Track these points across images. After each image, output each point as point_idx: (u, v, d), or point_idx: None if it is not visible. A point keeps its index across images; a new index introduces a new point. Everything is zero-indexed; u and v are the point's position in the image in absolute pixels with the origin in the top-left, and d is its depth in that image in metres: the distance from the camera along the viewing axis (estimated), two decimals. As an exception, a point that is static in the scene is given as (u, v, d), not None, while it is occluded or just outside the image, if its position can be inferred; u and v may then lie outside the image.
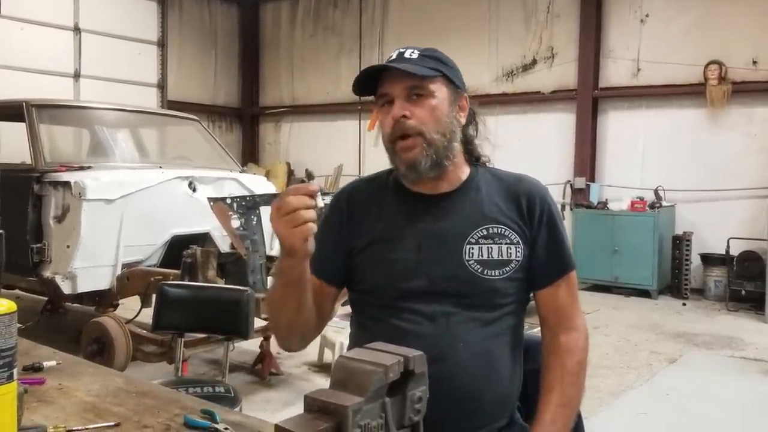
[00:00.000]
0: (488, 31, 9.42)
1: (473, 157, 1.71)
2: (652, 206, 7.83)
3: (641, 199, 7.91)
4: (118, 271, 4.49)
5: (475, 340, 1.56)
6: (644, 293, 7.77)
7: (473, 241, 1.58)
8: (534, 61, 9.15)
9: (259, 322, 4.57)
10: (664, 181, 8.02)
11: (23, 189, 4.42)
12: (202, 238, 4.80)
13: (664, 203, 7.93)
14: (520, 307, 1.66)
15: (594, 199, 8.43)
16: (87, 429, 1.45)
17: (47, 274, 4.38)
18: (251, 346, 4.87)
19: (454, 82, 1.60)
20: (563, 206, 8.71)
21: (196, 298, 2.48)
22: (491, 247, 1.58)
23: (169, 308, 2.49)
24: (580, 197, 8.58)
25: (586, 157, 8.65)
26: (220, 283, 3.90)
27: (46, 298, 6.12)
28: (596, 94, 8.62)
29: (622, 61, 8.47)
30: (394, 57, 1.58)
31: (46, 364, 1.85)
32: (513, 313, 1.63)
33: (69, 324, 6.08)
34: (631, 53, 8.39)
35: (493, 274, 1.57)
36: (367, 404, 1.14)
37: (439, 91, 1.57)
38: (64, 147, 5.50)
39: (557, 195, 8.83)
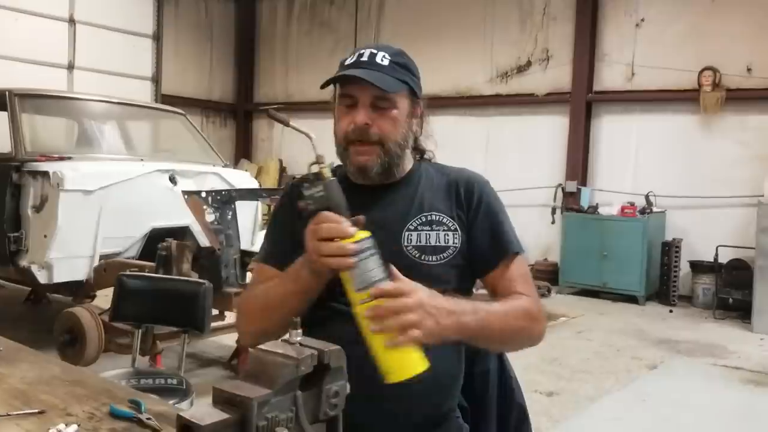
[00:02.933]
0: (483, 32, 9.39)
1: (417, 152, 1.78)
2: (642, 212, 7.80)
3: (632, 204, 7.88)
4: (96, 263, 4.47)
5: None
6: (632, 299, 7.74)
7: (412, 228, 1.61)
8: (529, 63, 9.12)
9: (233, 317, 4.57)
10: (655, 187, 7.99)
11: (2, 178, 4.41)
12: (182, 232, 4.78)
13: (654, 209, 7.90)
14: (462, 296, 1.63)
15: (585, 203, 8.40)
16: (9, 416, 1.43)
17: (24, 263, 4.37)
18: (229, 341, 4.87)
19: (414, 92, 1.64)
20: (554, 209, 8.70)
21: (153, 290, 2.47)
22: (429, 234, 1.61)
23: (128, 299, 2.47)
24: (571, 201, 8.56)
25: (578, 160, 8.62)
26: (194, 277, 3.88)
27: (29, 288, 6.12)
28: (590, 97, 8.60)
29: (617, 65, 8.45)
30: (365, 58, 1.58)
31: (-14, 350, 1.83)
32: None
33: (52, 314, 6.08)
34: (626, 57, 8.37)
35: (430, 259, 1.60)
36: (275, 397, 1.12)
37: (402, 102, 1.60)
38: (50, 137, 5.47)
39: (548, 198, 8.83)
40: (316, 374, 1.19)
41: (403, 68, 1.61)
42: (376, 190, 1.66)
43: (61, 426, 1.35)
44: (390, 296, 1.32)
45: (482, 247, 1.64)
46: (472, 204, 1.66)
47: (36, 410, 1.46)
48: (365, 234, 1.36)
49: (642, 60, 8.24)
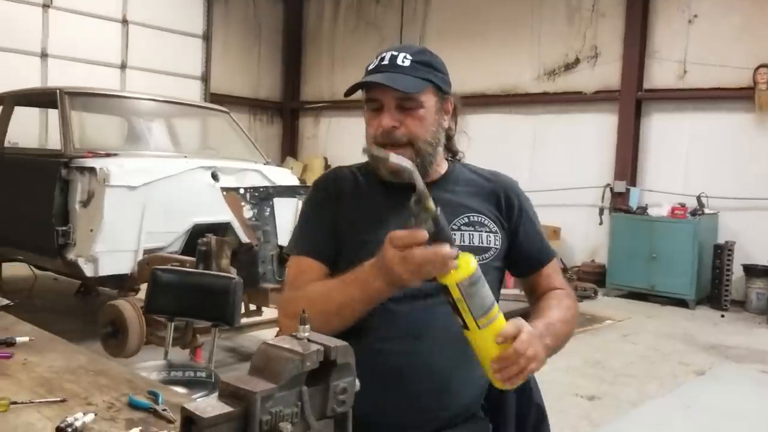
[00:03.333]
0: (531, 28, 9.27)
1: (450, 152, 1.78)
2: (693, 213, 7.58)
3: (683, 205, 7.67)
4: (140, 257, 4.57)
5: (451, 321, 1.56)
6: (681, 303, 7.53)
7: (455, 228, 1.61)
8: (577, 60, 8.96)
9: (270, 313, 4.62)
10: (707, 188, 7.76)
11: (52, 173, 4.54)
12: (224, 228, 4.84)
13: (706, 210, 7.67)
14: (496, 296, 1.66)
15: (633, 203, 8.21)
16: (32, 403, 1.47)
17: (71, 256, 4.49)
18: (268, 335, 4.91)
19: (441, 88, 1.62)
20: (601, 210, 8.54)
21: (185, 283, 2.50)
22: (472, 234, 1.63)
23: (161, 292, 2.52)
24: (619, 201, 8.38)
25: (627, 160, 8.43)
26: (232, 272, 3.92)
27: (80, 281, 6.29)
28: (640, 95, 8.40)
29: (668, 63, 8.22)
30: (386, 62, 1.58)
31: (19, 339, 1.89)
32: None
33: (99, 306, 6.25)
34: (678, 54, 8.14)
35: None
36: (280, 392, 1.12)
37: (428, 100, 1.59)
38: (98, 134, 5.62)
39: (596, 198, 8.67)
40: (323, 370, 1.19)
41: (426, 66, 1.60)
42: (413, 189, 1.64)
43: (79, 414, 1.38)
44: (513, 338, 1.35)
45: (529, 252, 1.71)
46: (514, 211, 1.70)
47: (58, 398, 1.50)
48: (474, 261, 1.35)
49: (694, 57, 8.00)
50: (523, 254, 1.71)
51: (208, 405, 1.09)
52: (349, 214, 1.65)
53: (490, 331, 1.34)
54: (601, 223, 8.55)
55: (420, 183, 1.33)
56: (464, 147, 1.81)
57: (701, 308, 7.54)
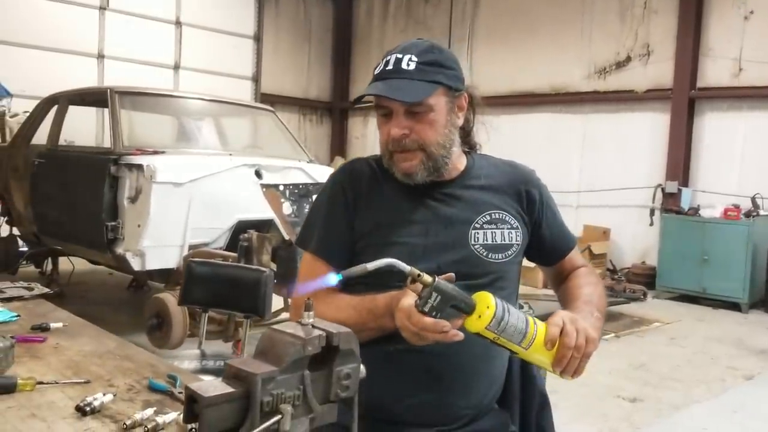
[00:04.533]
0: (581, 26, 9.13)
1: (468, 146, 1.75)
2: (747, 215, 7.36)
3: (736, 206, 7.44)
4: (185, 252, 4.67)
5: None
6: (734, 306, 7.32)
7: (478, 226, 1.60)
8: (628, 58, 8.79)
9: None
10: (763, 189, 7.51)
11: (101, 170, 4.69)
12: (267, 225, 4.91)
13: (762, 212, 7.43)
14: (515, 293, 1.70)
15: (685, 204, 8.01)
16: (57, 383, 1.54)
17: (120, 250, 4.62)
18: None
19: (452, 86, 1.58)
20: (652, 211, 8.36)
21: (218, 275, 2.56)
22: (495, 232, 1.61)
23: (195, 284, 2.58)
24: (670, 202, 8.18)
25: (680, 160, 8.23)
26: (272, 268, 3.99)
27: (132, 276, 6.49)
28: (693, 94, 8.19)
29: (723, 60, 7.99)
30: (391, 66, 1.54)
31: (53, 325, 1.98)
32: (508, 297, 1.62)
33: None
34: (733, 52, 7.90)
35: (496, 257, 1.61)
36: (282, 375, 1.15)
37: (438, 102, 1.55)
38: (148, 132, 5.77)
39: (647, 199, 8.49)
40: (327, 356, 1.21)
41: (434, 66, 1.55)
42: (437, 186, 1.63)
43: (99, 395, 1.44)
44: (557, 339, 1.37)
45: (552, 243, 1.73)
46: (536, 205, 1.68)
47: (82, 380, 1.57)
48: (493, 299, 1.35)
49: (750, 54, 7.75)
50: (547, 246, 1.72)
51: (210, 385, 1.13)
52: (371, 215, 1.62)
53: (537, 345, 1.36)
54: (651, 224, 8.37)
55: (405, 268, 1.33)
56: (483, 139, 1.77)
57: (755, 312, 7.32)
